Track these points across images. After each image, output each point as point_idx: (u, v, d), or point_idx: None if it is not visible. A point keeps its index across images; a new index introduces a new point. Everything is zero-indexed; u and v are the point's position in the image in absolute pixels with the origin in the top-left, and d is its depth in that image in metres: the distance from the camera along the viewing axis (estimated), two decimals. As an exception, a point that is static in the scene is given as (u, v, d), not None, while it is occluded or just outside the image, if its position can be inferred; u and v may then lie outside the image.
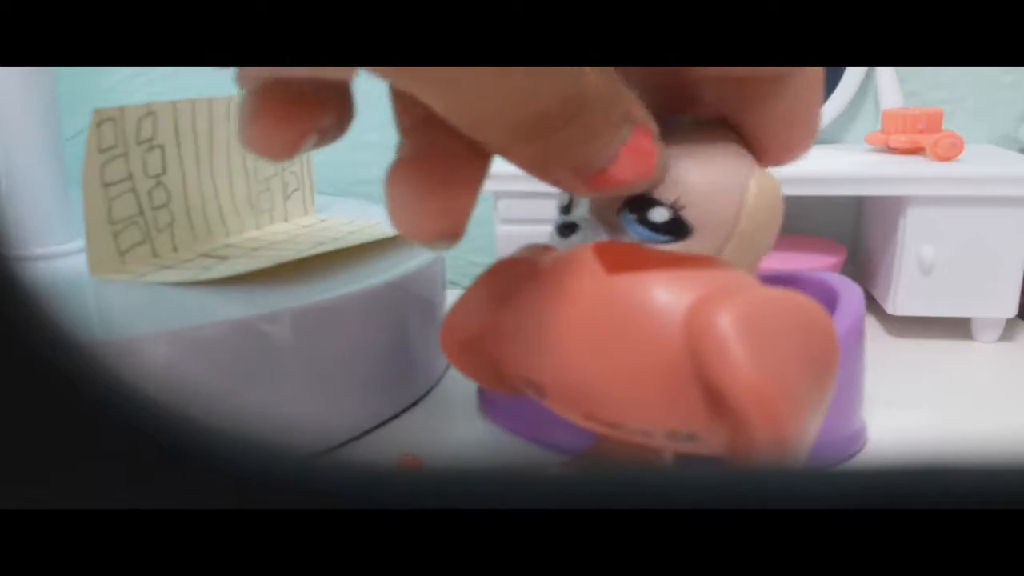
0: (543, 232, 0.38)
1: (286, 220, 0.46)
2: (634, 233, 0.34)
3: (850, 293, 0.37)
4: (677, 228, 0.34)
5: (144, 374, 0.07)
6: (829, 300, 0.37)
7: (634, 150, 0.15)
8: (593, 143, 0.14)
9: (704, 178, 0.34)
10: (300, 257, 0.36)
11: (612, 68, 0.14)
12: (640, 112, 0.15)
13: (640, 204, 0.33)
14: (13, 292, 0.06)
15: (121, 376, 0.06)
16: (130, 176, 0.35)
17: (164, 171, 0.38)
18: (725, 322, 0.12)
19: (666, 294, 0.13)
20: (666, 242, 0.34)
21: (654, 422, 0.13)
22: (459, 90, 0.12)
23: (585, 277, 0.15)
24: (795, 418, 0.12)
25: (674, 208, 0.33)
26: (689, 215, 0.33)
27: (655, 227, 0.34)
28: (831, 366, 0.14)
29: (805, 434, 0.12)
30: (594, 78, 0.13)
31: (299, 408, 0.32)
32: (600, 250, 0.15)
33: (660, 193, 0.33)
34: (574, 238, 0.33)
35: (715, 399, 0.12)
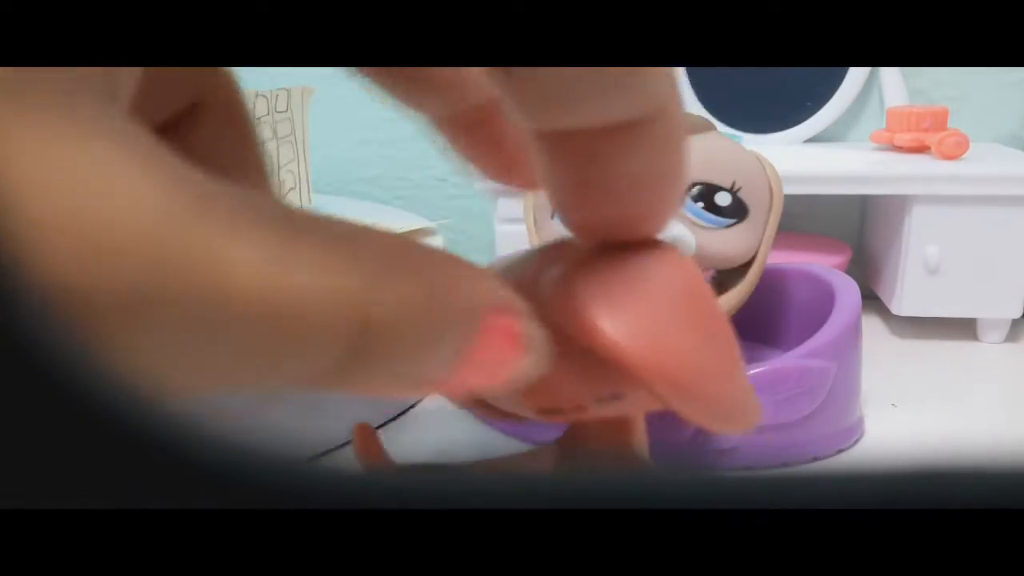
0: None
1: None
2: (702, 220, 0.35)
3: (846, 288, 0.37)
4: (739, 209, 0.34)
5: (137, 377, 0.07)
6: (825, 295, 0.37)
7: (485, 347, 0.11)
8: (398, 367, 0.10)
9: (746, 160, 0.35)
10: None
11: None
12: (498, 296, 0.11)
13: (705, 192, 0.34)
14: (12, 292, 0.06)
15: (112, 378, 0.06)
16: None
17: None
18: (581, 290, 0.13)
19: (544, 273, 0.14)
20: (730, 225, 0.35)
21: (582, 396, 0.14)
22: None
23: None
24: (690, 373, 0.13)
25: (733, 191, 0.34)
26: (745, 196, 0.34)
27: (721, 211, 0.34)
28: (706, 310, 0.14)
29: (709, 382, 0.13)
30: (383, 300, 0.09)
31: (292, 411, 0.32)
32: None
33: (719, 179, 0.34)
34: None
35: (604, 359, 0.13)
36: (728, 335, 0.14)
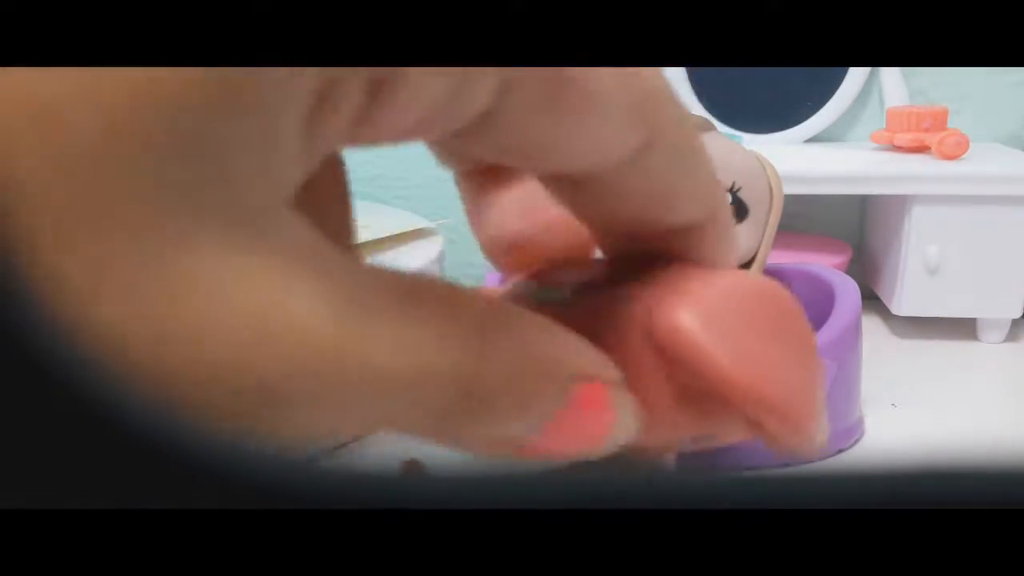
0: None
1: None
2: None
3: (846, 288, 0.37)
4: (739, 209, 0.34)
5: (136, 376, 0.07)
6: (825, 295, 0.37)
7: (575, 416, 0.10)
8: (494, 425, 0.10)
9: (746, 160, 0.35)
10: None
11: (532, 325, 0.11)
12: (586, 364, 0.11)
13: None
14: (10, 293, 0.06)
15: (114, 376, 0.06)
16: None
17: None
18: (688, 321, 0.12)
19: (619, 310, 0.13)
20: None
21: (667, 438, 0.13)
22: None
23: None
24: (785, 396, 0.12)
25: (733, 191, 0.34)
26: (745, 196, 0.34)
27: None
28: (806, 343, 0.13)
29: (808, 412, 0.12)
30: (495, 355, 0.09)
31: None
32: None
33: (720, 179, 0.34)
34: None
35: (708, 396, 0.12)
36: (818, 359, 0.13)
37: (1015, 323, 0.47)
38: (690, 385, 0.12)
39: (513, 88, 0.09)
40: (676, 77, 0.56)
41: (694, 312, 0.12)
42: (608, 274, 0.13)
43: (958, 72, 0.55)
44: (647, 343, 0.12)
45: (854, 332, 0.35)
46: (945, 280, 0.45)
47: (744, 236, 0.35)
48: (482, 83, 0.09)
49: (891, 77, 0.55)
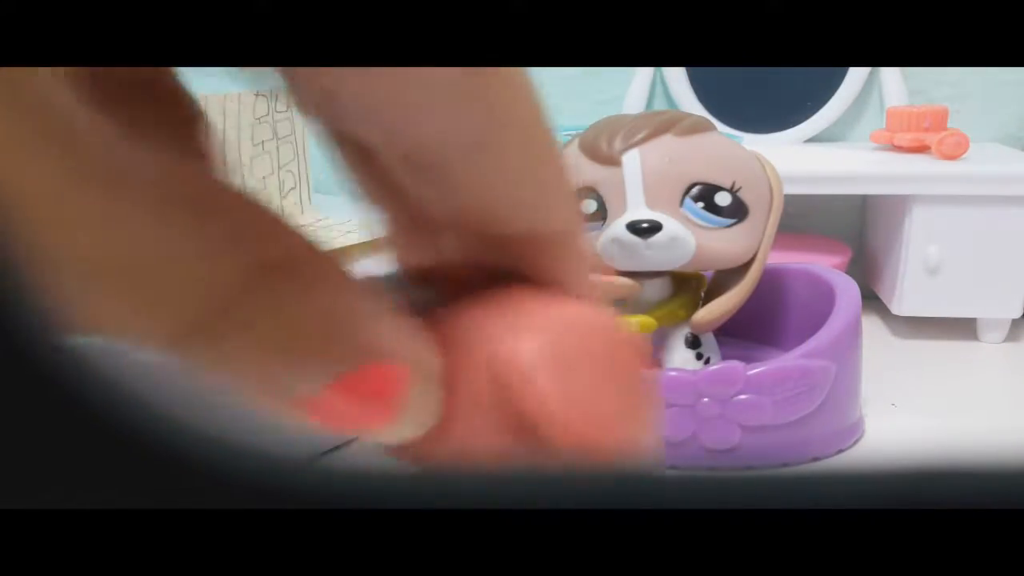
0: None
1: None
2: (701, 220, 0.35)
3: (846, 288, 0.37)
4: (739, 209, 0.35)
5: (136, 376, 0.07)
6: (825, 295, 0.37)
7: (358, 388, 0.10)
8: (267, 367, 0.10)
9: (746, 160, 0.35)
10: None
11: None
12: (392, 344, 0.11)
13: (705, 192, 0.34)
14: (9, 292, 0.06)
15: (113, 377, 0.06)
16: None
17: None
18: (524, 357, 0.12)
19: (473, 332, 0.13)
20: (730, 225, 0.35)
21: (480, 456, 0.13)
22: None
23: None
24: (605, 440, 0.12)
25: (733, 191, 0.34)
26: (745, 196, 0.34)
27: (720, 211, 0.34)
28: (635, 379, 0.13)
29: (618, 444, 0.12)
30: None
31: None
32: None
33: (719, 179, 0.34)
34: (659, 237, 0.33)
35: (526, 429, 0.12)
36: (647, 396, 0.13)
37: (1015, 323, 0.47)
38: (519, 417, 0.12)
39: None
40: (676, 77, 0.56)
41: (532, 348, 0.12)
42: (472, 288, 0.13)
43: (958, 72, 0.55)
44: (484, 367, 0.12)
45: (854, 332, 0.35)
46: (945, 280, 0.45)
47: (744, 236, 0.35)
48: None
49: (891, 77, 0.55)
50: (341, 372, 0.10)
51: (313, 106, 0.11)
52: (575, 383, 0.12)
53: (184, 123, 0.12)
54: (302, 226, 0.10)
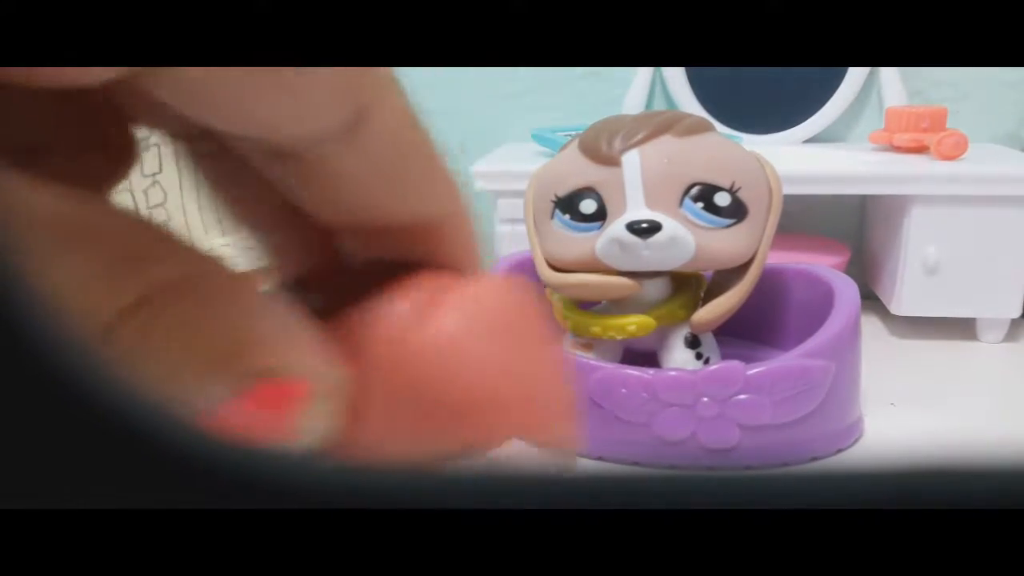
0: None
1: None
2: (701, 220, 0.35)
3: (846, 288, 0.37)
4: (738, 209, 0.34)
5: (136, 375, 0.07)
6: (824, 295, 0.37)
7: (251, 407, 0.10)
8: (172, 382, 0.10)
9: (745, 160, 0.35)
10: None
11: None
12: (282, 360, 0.11)
13: (704, 192, 0.34)
14: (9, 293, 0.06)
15: (113, 376, 0.06)
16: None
17: (160, 170, 0.38)
18: (443, 333, 0.12)
19: (382, 325, 0.13)
20: (730, 225, 0.35)
21: (402, 453, 0.13)
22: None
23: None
24: (534, 406, 0.12)
25: (732, 191, 0.34)
26: (744, 196, 0.34)
27: (720, 211, 0.34)
28: (543, 341, 0.13)
29: (546, 408, 0.12)
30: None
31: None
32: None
33: (718, 180, 0.34)
34: (658, 237, 0.33)
35: (453, 412, 0.12)
36: (552, 355, 0.13)
37: (1015, 323, 0.47)
38: (439, 399, 0.12)
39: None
40: (676, 77, 0.57)
41: (446, 327, 0.12)
42: (365, 281, 0.13)
43: (958, 72, 0.55)
44: (399, 357, 0.12)
45: (853, 332, 0.35)
46: (944, 280, 0.45)
47: (743, 236, 0.35)
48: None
49: (890, 77, 0.55)
50: (239, 389, 0.10)
51: (179, 104, 0.10)
52: (497, 352, 0.12)
53: (89, 148, 0.13)
54: (201, 247, 0.10)
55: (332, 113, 0.10)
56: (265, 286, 0.14)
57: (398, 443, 0.12)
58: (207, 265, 0.11)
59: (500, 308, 0.12)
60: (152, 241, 0.10)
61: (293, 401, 0.11)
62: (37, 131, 0.12)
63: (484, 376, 0.12)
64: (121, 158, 0.13)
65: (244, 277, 0.11)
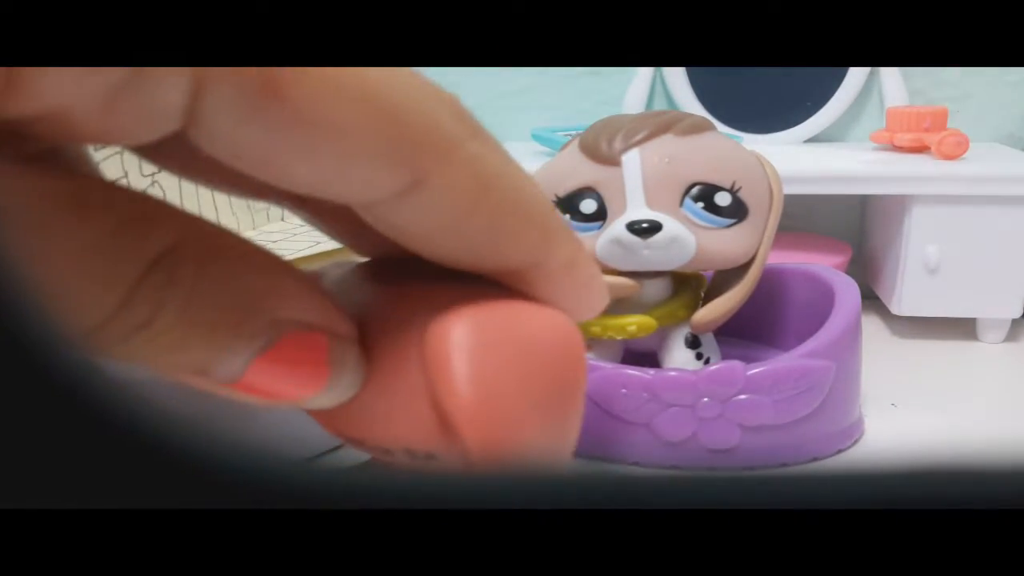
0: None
1: (283, 219, 0.46)
2: (701, 220, 0.35)
3: (846, 288, 0.37)
4: (739, 209, 0.34)
5: (135, 376, 0.07)
6: (825, 295, 0.37)
7: (283, 360, 0.10)
8: (184, 353, 0.10)
9: (746, 160, 0.35)
10: (297, 257, 0.36)
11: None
12: (307, 312, 0.11)
13: (705, 192, 0.34)
14: (9, 292, 0.06)
15: (112, 377, 0.06)
16: (125, 175, 0.35)
17: (160, 170, 0.38)
18: (455, 339, 0.12)
19: (405, 313, 0.13)
20: (730, 225, 0.35)
21: (392, 440, 0.13)
22: None
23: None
24: (510, 436, 0.12)
25: (733, 191, 0.34)
26: (745, 196, 0.34)
27: (720, 211, 0.34)
28: (568, 394, 0.13)
29: (526, 445, 0.12)
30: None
31: (291, 411, 0.32)
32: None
33: (719, 179, 0.34)
34: (658, 237, 0.33)
35: (441, 416, 0.12)
36: (576, 413, 0.13)
37: (1015, 323, 0.47)
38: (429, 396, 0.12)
39: (208, 89, 0.09)
40: (676, 77, 0.56)
41: (458, 332, 0.12)
42: (420, 276, 0.13)
43: (958, 72, 0.55)
44: (415, 346, 0.12)
45: (854, 332, 0.35)
46: (945, 280, 0.45)
47: (744, 236, 0.35)
48: (168, 80, 0.08)
49: (891, 77, 0.55)
50: (262, 346, 0.10)
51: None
52: (493, 375, 0.12)
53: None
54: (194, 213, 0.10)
55: (383, 181, 0.10)
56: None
57: (394, 423, 0.12)
58: (209, 227, 0.10)
59: (524, 336, 0.12)
60: (150, 206, 0.10)
61: (316, 352, 0.11)
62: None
63: (466, 389, 0.11)
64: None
65: (246, 239, 0.11)
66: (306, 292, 0.11)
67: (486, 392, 0.12)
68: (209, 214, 0.41)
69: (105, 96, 0.08)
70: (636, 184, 0.33)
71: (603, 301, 0.13)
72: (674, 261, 0.34)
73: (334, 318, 0.11)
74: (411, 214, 0.11)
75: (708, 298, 0.36)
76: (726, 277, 0.36)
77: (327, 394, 0.11)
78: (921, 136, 0.48)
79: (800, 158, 0.50)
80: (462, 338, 0.12)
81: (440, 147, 0.10)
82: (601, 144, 0.34)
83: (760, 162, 0.36)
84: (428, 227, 0.11)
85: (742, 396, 0.32)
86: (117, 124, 0.09)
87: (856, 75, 0.55)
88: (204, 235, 0.10)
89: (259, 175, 0.10)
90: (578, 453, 0.14)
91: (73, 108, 0.08)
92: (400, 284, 0.13)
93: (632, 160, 0.34)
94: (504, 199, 0.11)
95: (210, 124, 0.09)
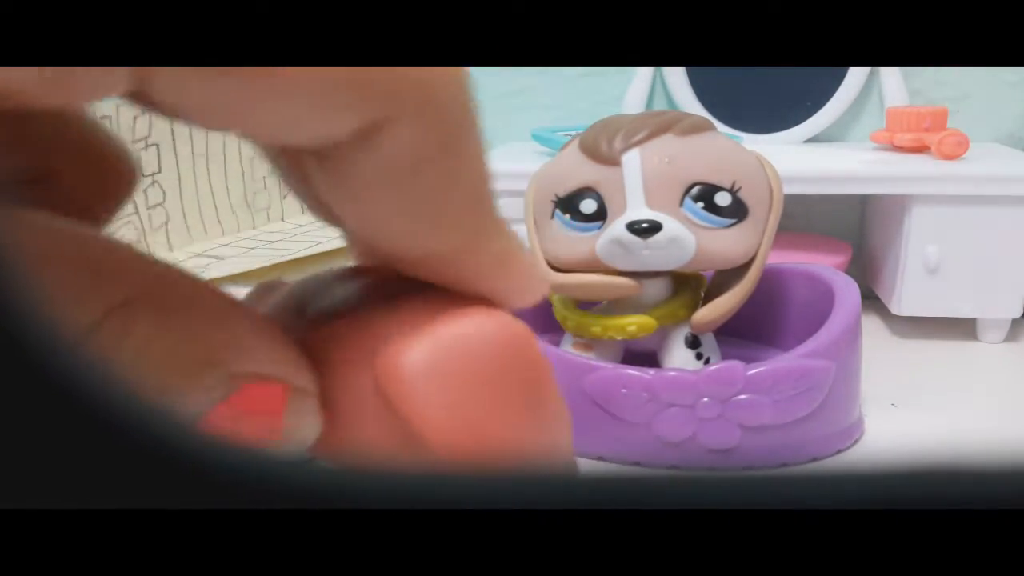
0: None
1: (283, 219, 0.46)
2: (701, 220, 0.35)
3: (846, 288, 0.37)
4: (739, 209, 0.35)
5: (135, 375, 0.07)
6: (825, 295, 0.37)
7: (238, 411, 0.11)
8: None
9: (746, 160, 0.35)
10: (297, 257, 0.36)
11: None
12: (264, 364, 0.11)
13: (705, 192, 0.34)
14: (8, 293, 0.06)
15: (112, 376, 0.06)
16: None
17: (159, 170, 0.38)
18: (412, 364, 0.12)
19: (365, 336, 0.13)
20: (730, 225, 0.35)
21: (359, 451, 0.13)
22: None
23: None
24: (486, 455, 0.12)
25: (733, 191, 0.34)
26: (745, 196, 0.34)
27: (720, 211, 0.34)
28: (534, 392, 0.13)
29: (503, 453, 0.12)
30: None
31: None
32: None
33: (719, 179, 0.34)
34: (658, 237, 0.33)
35: (411, 436, 0.12)
36: (554, 415, 0.13)
37: (1015, 323, 0.47)
38: (402, 423, 0.12)
39: (151, 72, 0.09)
40: (676, 77, 0.57)
41: (415, 356, 0.12)
42: (369, 293, 0.13)
43: (958, 72, 0.55)
44: (370, 372, 0.12)
45: (854, 332, 0.35)
46: (945, 280, 0.45)
47: (744, 236, 0.35)
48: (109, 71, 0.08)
49: (891, 77, 0.55)
50: (224, 394, 0.10)
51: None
52: (461, 395, 0.12)
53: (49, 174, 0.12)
54: (165, 261, 0.10)
55: (339, 120, 0.10)
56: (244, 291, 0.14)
57: (359, 452, 0.12)
58: (167, 277, 0.11)
59: (485, 349, 0.12)
60: (116, 258, 0.10)
61: (277, 401, 0.11)
62: (35, 159, 0.12)
63: (436, 412, 0.11)
64: (120, 181, 0.13)
65: (207, 286, 0.11)
66: (265, 343, 0.11)
67: (455, 415, 0.12)
68: (209, 213, 0.41)
69: (43, 84, 0.08)
70: (636, 184, 0.33)
71: (540, 291, 0.13)
72: (674, 261, 0.34)
73: (291, 369, 0.11)
74: (365, 161, 0.11)
75: (708, 298, 0.36)
76: (726, 277, 0.36)
77: (286, 442, 0.12)
78: (921, 136, 0.48)
79: (800, 158, 0.50)
80: (420, 363, 0.12)
81: (399, 99, 0.10)
82: (601, 144, 0.34)
83: (760, 162, 0.36)
84: (378, 179, 0.11)
85: (742, 396, 0.32)
86: (60, 97, 0.09)
87: (856, 75, 0.55)
88: (165, 286, 0.10)
89: (219, 129, 0.10)
90: (578, 453, 0.14)
91: (8, 89, 0.08)
92: (347, 308, 0.13)
93: (632, 160, 0.34)
94: (458, 167, 0.11)
95: (159, 96, 0.09)
